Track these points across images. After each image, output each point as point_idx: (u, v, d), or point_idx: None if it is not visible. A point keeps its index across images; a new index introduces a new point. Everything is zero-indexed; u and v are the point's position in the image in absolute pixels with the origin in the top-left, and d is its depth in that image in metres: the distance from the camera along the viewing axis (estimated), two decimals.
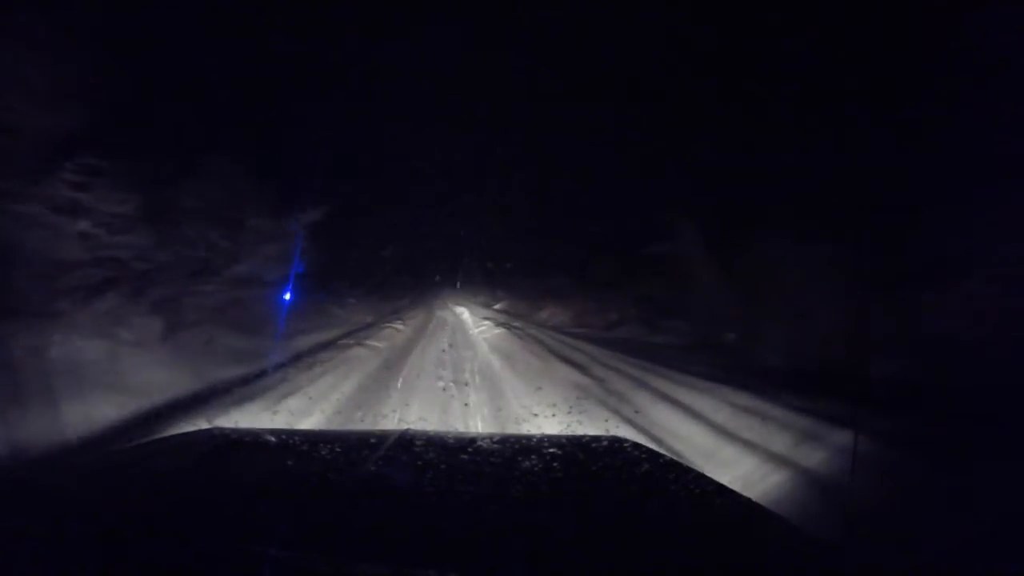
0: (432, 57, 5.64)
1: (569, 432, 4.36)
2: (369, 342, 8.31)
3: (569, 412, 5.07)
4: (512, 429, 4.65)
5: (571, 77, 5.95)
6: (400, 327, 10.63)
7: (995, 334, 4.29)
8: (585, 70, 5.80)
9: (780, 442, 4.47)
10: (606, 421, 4.92)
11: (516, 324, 11.83)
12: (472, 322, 12.68)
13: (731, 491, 1.48)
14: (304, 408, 4.41)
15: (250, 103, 5.11)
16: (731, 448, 4.39)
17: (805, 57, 4.46)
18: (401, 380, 6.11)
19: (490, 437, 1.78)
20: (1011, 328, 4.13)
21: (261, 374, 5.29)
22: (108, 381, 4.02)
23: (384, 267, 11.32)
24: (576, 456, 1.64)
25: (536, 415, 5.06)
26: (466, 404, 5.34)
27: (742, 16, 4.63)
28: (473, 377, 6.67)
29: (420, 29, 5.34)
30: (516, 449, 1.67)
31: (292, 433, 1.75)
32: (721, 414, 5.18)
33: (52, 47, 3.54)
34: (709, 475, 1.60)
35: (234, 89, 4.79)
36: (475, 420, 4.94)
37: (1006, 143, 3.97)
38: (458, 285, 12.18)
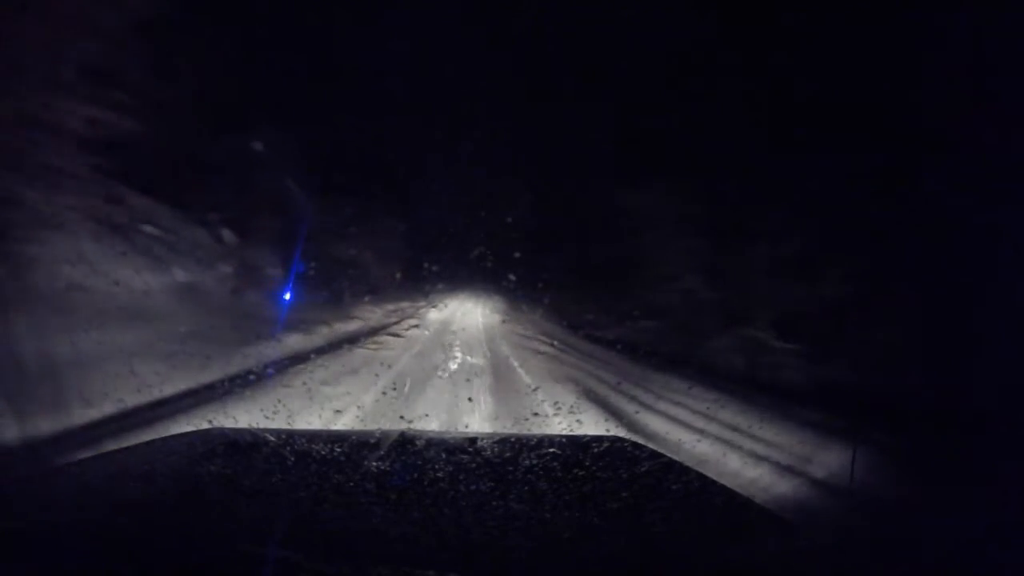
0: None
1: (569, 432, 4.35)
2: (370, 340, 8.31)
3: (569, 412, 5.07)
4: (512, 429, 4.64)
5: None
6: (402, 325, 10.63)
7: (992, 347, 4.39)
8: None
9: (781, 445, 4.47)
10: (606, 421, 4.92)
11: (518, 325, 11.83)
12: (473, 321, 12.67)
13: (731, 491, 1.48)
14: (304, 408, 4.40)
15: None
16: (731, 449, 4.39)
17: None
18: (403, 379, 6.10)
19: (490, 437, 1.77)
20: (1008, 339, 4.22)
21: (261, 374, 5.28)
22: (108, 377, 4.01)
23: (386, 265, 11.33)
24: (576, 456, 1.64)
25: (536, 415, 5.05)
26: (469, 402, 5.33)
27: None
28: (475, 377, 6.66)
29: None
30: (516, 449, 1.66)
31: (292, 433, 1.75)
32: (722, 418, 5.17)
33: None
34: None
35: None
36: (476, 420, 4.94)
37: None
38: (460, 284, 12.19)
